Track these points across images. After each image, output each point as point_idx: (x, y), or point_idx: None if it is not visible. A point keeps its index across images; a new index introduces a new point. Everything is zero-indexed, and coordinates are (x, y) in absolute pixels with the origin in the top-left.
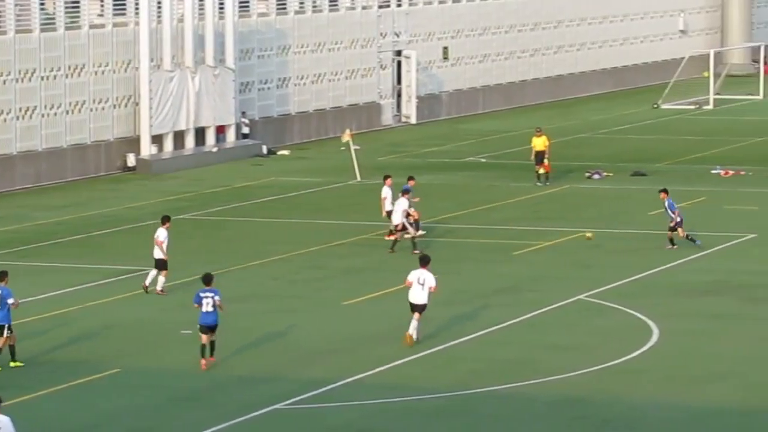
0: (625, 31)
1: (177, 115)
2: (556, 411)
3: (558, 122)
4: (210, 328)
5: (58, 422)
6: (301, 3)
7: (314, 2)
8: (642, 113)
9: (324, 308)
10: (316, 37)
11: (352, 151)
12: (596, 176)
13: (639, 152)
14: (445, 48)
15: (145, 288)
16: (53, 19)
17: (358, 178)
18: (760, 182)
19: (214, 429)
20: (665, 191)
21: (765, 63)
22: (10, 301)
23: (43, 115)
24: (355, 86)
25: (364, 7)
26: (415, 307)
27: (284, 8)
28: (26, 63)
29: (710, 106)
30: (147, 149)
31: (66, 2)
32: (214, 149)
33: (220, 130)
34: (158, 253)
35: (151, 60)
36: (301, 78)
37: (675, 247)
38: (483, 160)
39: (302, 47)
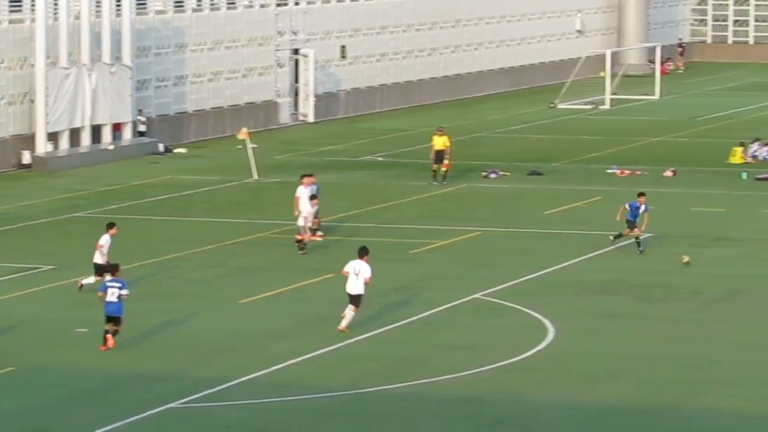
0: (523, 31)
1: (73, 112)
2: (450, 410)
3: (455, 121)
4: (111, 319)
5: None
6: (199, 1)
7: (212, 0)
8: (539, 113)
9: (221, 307)
10: (213, 35)
11: (249, 150)
12: (493, 175)
13: (536, 152)
14: (343, 47)
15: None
16: None
17: (255, 177)
18: (656, 182)
19: (109, 428)
20: (644, 194)
21: (661, 63)
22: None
23: None
24: (252, 84)
25: (262, 6)
26: (350, 298)
27: (182, 6)
28: None
29: (606, 106)
30: (43, 147)
31: None
32: (111, 147)
33: (117, 128)
34: (98, 258)
35: (47, 57)
36: (199, 76)
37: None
38: (380, 159)
39: (200, 45)
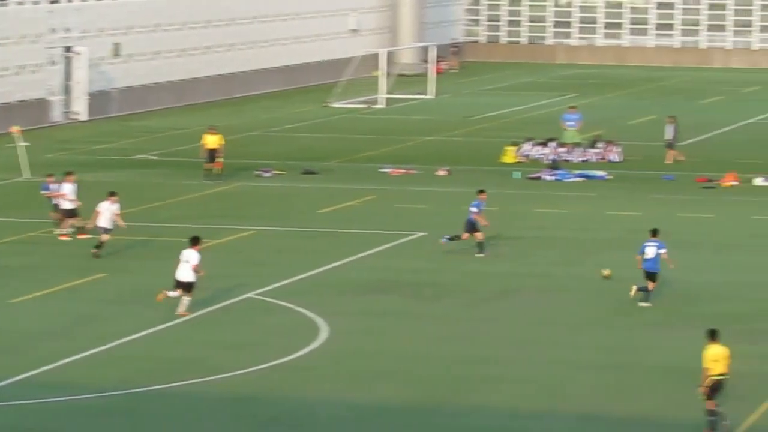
0: (297, 30)
1: None
2: (223, 409)
3: (229, 120)
4: None
5: None
6: None
7: None
8: (313, 111)
9: None
10: None
11: (20, 148)
12: (266, 174)
13: (310, 150)
14: (117, 44)
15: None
16: None
17: (25, 175)
18: (430, 181)
19: None
20: (483, 191)
21: (435, 63)
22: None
23: None
24: (24, 82)
25: (34, 2)
26: (178, 284)
27: None
28: None
29: (381, 105)
30: None
31: None
32: None
33: None
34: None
35: None
36: None
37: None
38: (153, 157)
39: None
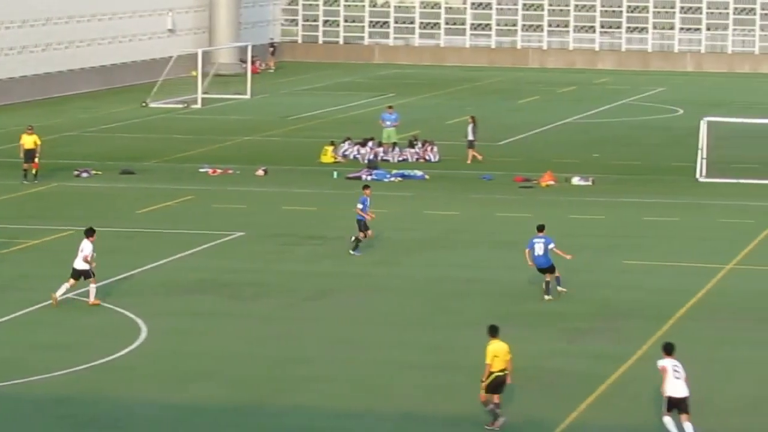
0: (114, 30)
1: None
2: (42, 410)
3: (46, 120)
4: None
5: None
6: None
7: None
8: (131, 111)
9: None
10: None
11: None
12: (85, 174)
13: (128, 150)
14: None
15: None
16: None
17: None
18: (248, 181)
19: None
20: (368, 186)
21: (252, 63)
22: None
23: None
24: None
25: None
26: (75, 272)
27: None
28: None
29: (198, 105)
30: None
31: None
32: None
33: None
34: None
35: None
36: None
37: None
38: None
39: None
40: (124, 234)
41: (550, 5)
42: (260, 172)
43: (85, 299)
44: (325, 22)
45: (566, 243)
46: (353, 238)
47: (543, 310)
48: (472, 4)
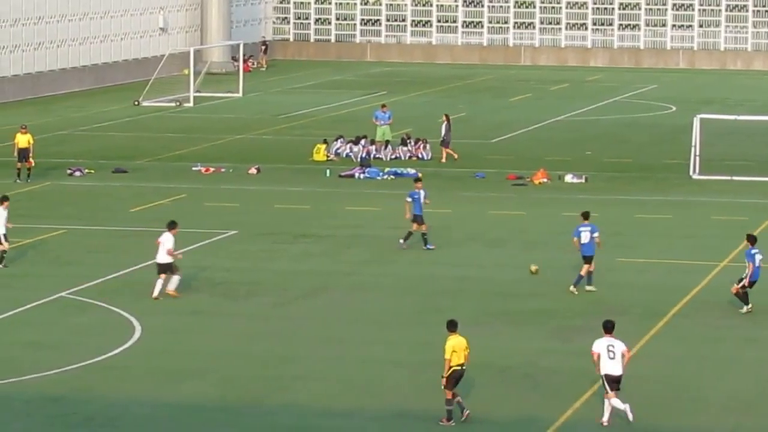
0: (106, 28)
1: None
2: (35, 410)
3: (38, 119)
4: None
5: None
6: None
7: None
8: (123, 110)
9: None
10: None
11: None
12: (77, 173)
13: (120, 149)
14: None
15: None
16: None
17: None
18: (240, 179)
19: None
20: (419, 180)
21: (244, 61)
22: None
23: None
24: None
25: None
26: (160, 267)
27: None
28: None
29: (190, 104)
30: None
31: None
32: None
33: None
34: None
35: None
36: None
37: None
38: None
39: None
40: (117, 233)
41: (542, 3)
42: (253, 171)
43: (80, 298)
44: (317, 20)
45: (560, 241)
46: (407, 236)
47: (536, 308)
48: (464, 1)
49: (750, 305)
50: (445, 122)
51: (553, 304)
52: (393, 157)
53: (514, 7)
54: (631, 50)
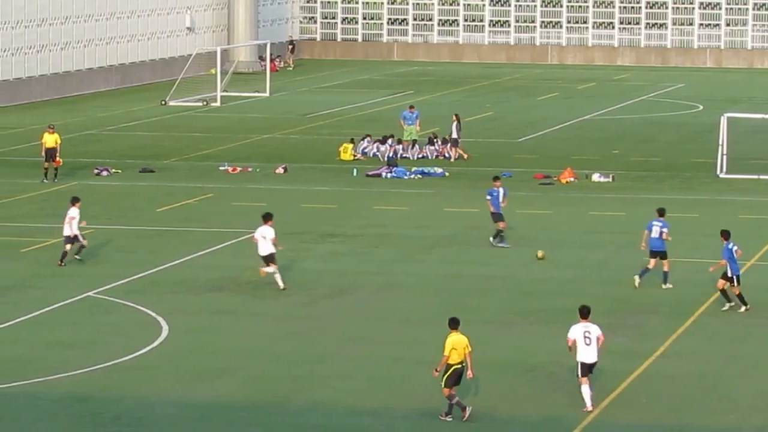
0: (133, 28)
1: None
2: (63, 409)
3: (65, 119)
4: None
5: None
6: None
7: None
8: (150, 110)
9: None
10: None
11: None
12: (104, 173)
13: (147, 149)
14: None
15: None
16: None
17: None
18: (268, 179)
19: None
20: (498, 179)
21: (271, 60)
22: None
23: None
24: None
25: None
26: (264, 259)
27: None
28: None
29: (217, 104)
30: None
31: None
32: None
33: None
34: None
35: None
36: None
37: None
38: None
39: None
40: (143, 232)
41: (569, 2)
42: (280, 170)
43: (107, 297)
44: (344, 19)
45: (586, 240)
46: (495, 234)
47: (562, 307)
48: (491, 0)
49: (732, 303)
50: (455, 122)
51: (580, 303)
52: (420, 156)
53: (541, 6)
54: (658, 49)
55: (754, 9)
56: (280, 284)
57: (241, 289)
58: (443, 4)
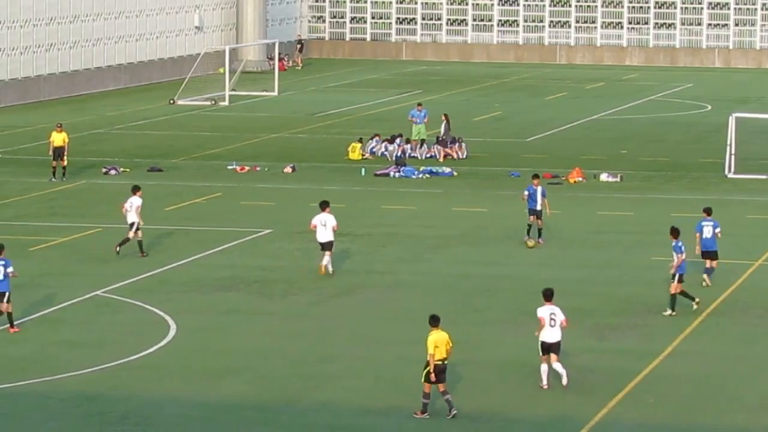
0: (141, 27)
1: None
2: (71, 408)
3: (74, 118)
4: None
5: None
6: None
7: None
8: (158, 109)
9: None
10: None
11: None
12: (113, 172)
13: (155, 148)
14: None
15: None
16: None
17: None
18: (276, 178)
19: None
20: (537, 177)
21: (280, 60)
22: (10, 270)
23: None
24: None
25: None
26: (322, 246)
27: None
28: None
29: (226, 103)
30: None
31: None
32: None
33: None
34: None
35: None
36: None
37: None
38: None
39: None
40: (152, 231)
41: (578, 1)
42: (288, 169)
43: (115, 297)
44: (352, 18)
45: (594, 239)
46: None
47: (572, 307)
48: (500, 0)
49: (696, 299)
50: (445, 122)
51: (589, 303)
52: (428, 155)
53: (550, 5)
54: (666, 49)
55: (762, 9)
56: (330, 269)
57: (250, 288)
58: (452, 4)
